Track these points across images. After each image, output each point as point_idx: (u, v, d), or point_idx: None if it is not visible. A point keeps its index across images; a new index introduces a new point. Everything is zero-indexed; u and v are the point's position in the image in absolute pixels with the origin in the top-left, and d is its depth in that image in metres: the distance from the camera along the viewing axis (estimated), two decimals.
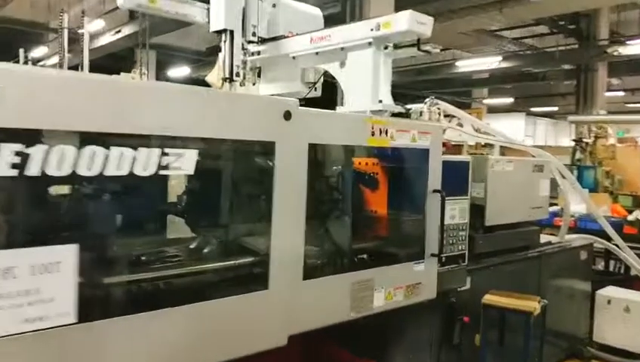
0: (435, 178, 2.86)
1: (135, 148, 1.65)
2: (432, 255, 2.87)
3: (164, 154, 1.71)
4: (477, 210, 3.65)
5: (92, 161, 1.58)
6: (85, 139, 1.57)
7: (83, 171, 1.56)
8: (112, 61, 12.03)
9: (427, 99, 4.00)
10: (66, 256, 1.57)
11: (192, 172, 1.80)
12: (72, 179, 1.55)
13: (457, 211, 3.14)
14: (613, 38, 15.03)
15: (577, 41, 15.35)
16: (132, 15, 13.52)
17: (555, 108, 25.36)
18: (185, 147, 1.76)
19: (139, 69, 8.83)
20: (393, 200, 2.85)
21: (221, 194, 2.14)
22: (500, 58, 15.27)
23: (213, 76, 4.07)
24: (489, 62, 15.50)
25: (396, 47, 3.37)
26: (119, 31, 12.16)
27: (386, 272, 2.64)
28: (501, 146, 11.94)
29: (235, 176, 2.14)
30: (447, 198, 2.93)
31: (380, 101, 3.18)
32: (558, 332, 4.45)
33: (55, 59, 9.22)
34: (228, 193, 2.15)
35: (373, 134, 2.51)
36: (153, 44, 14.86)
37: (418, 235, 2.85)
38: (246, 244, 2.16)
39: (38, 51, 11.16)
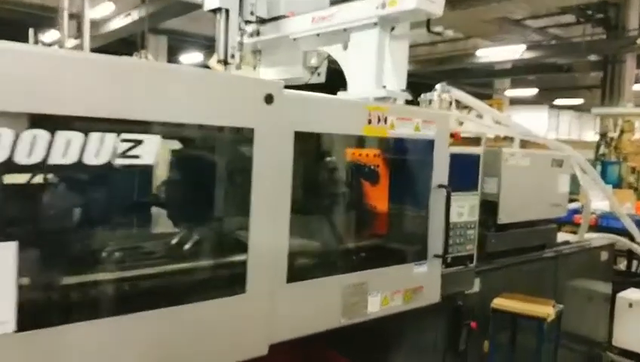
0: (440, 172, 2.61)
1: (84, 132, 1.44)
2: (436, 256, 2.62)
3: (118, 140, 1.50)
4: (489, 207, 3.40)
5: (33, 147, 1.37)
6: (24, 120, 1.36)
7: (21, 158, 1.36)
8: (124, 46, 11.89)
9: (438, 85, 3.75)
10: (3, 256, 1.37)
11: (152, 162, 1.59)
12: (9, 166, 1.35)
13: (466, 208, 2.89)
14: None
15: (605, 31, 14.75)
16: None
17: (580, 101, 24.62)
18: (144, 132, 1.54)
19: (140, 54, 8.63)
20: (393, 195, 2.61)
21: (191, 187, 1.93)
22: (523, 47, 14.75)
23: (214, 60, 3.89)
24: (512, 52, 14.99)
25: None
26: (129, 14, 12.00)
27: (382, 274, 2.41)
28: (521, 140, 11.57)
29: (206, 166, 1.92)
30: (454, 194, 2.68)
31: (384, 87, 2.96)
32: (575, 336, 4.18)
33: (67, 44, 9.11)
34: (198, 186, 1.94)
35: (370, 122, 2.27)
36: (164, 30, 14.67)
37: (420, 234, 2.61)
38: (220, 243, 1.95)
39: (50, 35, 11.09)
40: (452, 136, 2.74)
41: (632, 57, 14.89)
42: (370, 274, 2.36)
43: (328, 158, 2.41)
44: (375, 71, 3.02)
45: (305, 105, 2.04)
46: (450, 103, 3.60)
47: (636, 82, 15.82)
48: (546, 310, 2.94)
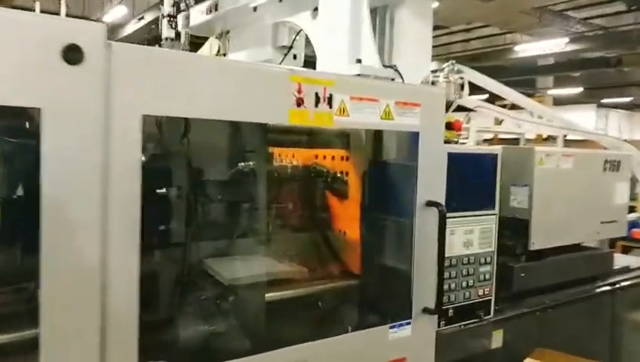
0: (430, 181, 1.69)
1: None
2: (426, 310, 1.70)
3: None
4: (517, 227, 2.48)
5: None
6: None
7: None
8: None
9: (445, 64, 2.83)
10: None
11: None
12: None
13: (476, 234, 1.95)
14: None
15: None
16: None
17: (630, 99, 22.82)
18: None
19: None
20: (349, 218, 1.71)
21: None
22: (566, 40, 13.45)
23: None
24: (554, 45, 13.71)
25: None
26: (142, 17, 11.37)
27: (336, 347, 1.51)
28: (565, 140, 10.30)
29: None
30: (458, 215, 1.78)
31: (359, 61, 2.09)
32: None
33: None
34: None
35: (299, 104, 1.38)
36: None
37: (399, 277, 1.70)
38: None
39: None
40: (451, 127, 1.82)
41: None
42: (315, 349, 1.46)
43: (242, 164, 1.53)
44: (348, 41, 2.20)
45: (161, 69, 1.17)
46: (462, 88, 2.65)
47: None
48: None
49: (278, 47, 2.96)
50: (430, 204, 1.68)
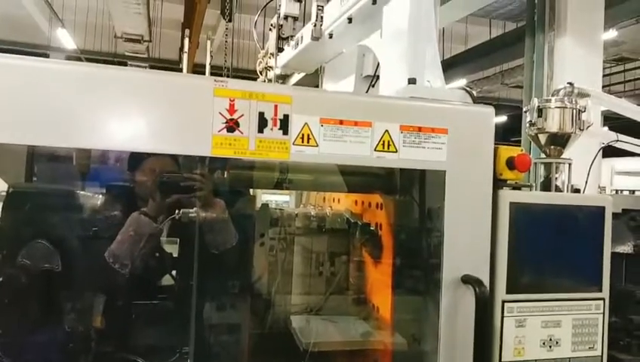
0: (464, 244, 1.12)
1: None
2: None
3: None
4: None
5: None
6: None
7: None
8: None
9: (561, 86, 2.19)
10: None
11: None
12: None
13: (566, 328, 1.28)
14: None
15: None
16: None
17: None
18: None
19: None
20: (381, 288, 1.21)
21: None
22: None
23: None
24: None
25: None
26: None
27: None
28: None
29: None
30: (531, 298, 1.17)
31: (412, 81, 1.63)
32: None
33: None
34: None
35: (232, 128, 0.97)
36: None
37: None
38: None
39: None
40: (513, 165, 1.22)
41: None
42: None
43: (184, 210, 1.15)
44: (405, 55, 1.75)
45: None
46: (579, 115, 1.92)
47: None
48: None
49: (364, 77, 2.59)
50: (467, 280, 1.10)
